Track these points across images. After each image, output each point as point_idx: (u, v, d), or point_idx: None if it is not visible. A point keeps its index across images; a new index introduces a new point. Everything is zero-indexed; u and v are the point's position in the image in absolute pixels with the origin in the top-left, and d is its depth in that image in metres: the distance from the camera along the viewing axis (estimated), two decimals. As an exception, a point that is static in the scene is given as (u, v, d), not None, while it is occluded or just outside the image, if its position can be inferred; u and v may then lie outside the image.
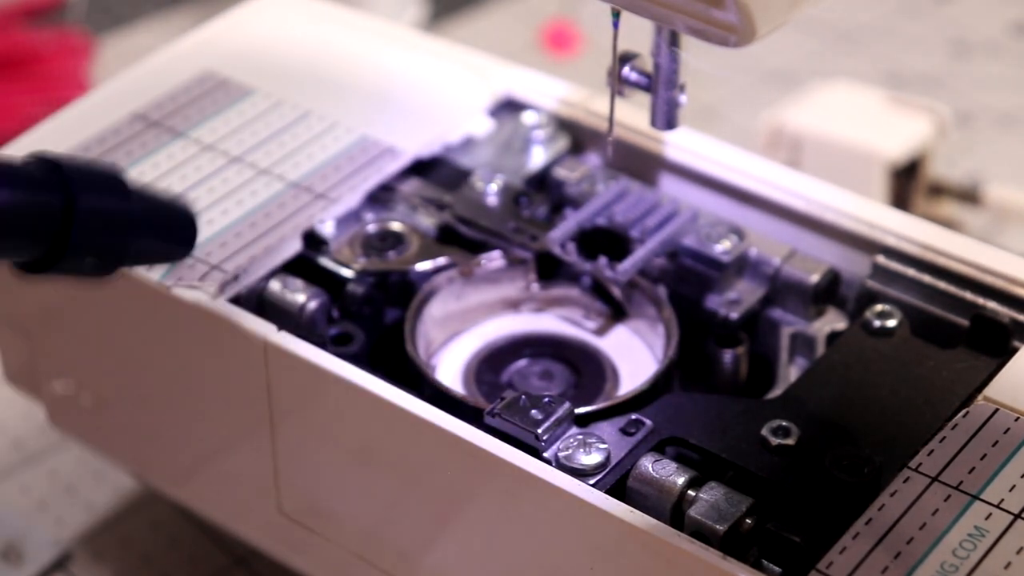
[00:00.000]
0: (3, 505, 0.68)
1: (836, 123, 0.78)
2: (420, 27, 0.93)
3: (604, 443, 0.49)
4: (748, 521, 0.47)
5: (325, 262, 0.57)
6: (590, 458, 0.49)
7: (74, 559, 0.66)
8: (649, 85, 0.54)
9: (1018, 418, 0.49)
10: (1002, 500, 0.46)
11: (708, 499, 0.47)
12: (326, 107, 0.61)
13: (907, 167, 0.77)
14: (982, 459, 0.47)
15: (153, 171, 0.59)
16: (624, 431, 0.50)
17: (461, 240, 0.58)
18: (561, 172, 0.60)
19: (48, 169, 0.46)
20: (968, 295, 0.54)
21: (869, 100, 0.80)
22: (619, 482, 0.49)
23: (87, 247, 0.47)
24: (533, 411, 0.50)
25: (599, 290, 0.58)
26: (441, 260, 0.57)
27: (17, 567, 0.65)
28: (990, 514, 0.46)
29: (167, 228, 0.50)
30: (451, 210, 0.58)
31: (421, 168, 0.60)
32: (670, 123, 0.54)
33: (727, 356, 0.55)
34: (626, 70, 0.54)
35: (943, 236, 0.55)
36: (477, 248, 0.58)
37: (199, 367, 0.56)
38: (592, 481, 0.48)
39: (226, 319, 0.53)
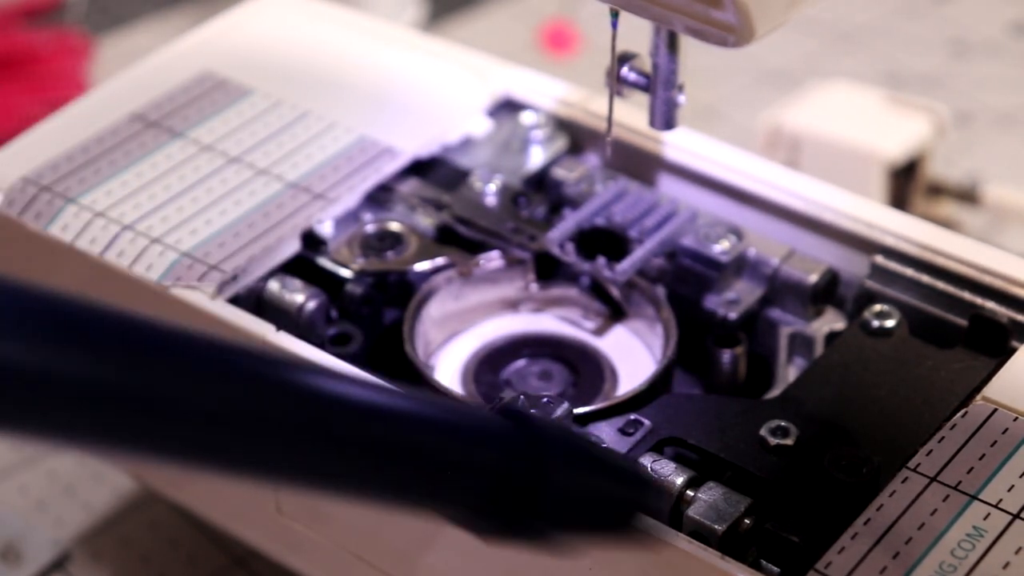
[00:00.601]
0: (2, 505, 0.68)
1: (835, 123, 0.78)
2: (419, 27, 0.93)
3: (603, 443, 0.49)
4: (747, 521, 0.47)
5: (324, 262, 0.57)
6: (589, 458, 0.49)
7: (73, 559, 0.66)
8: (648, 85, 0.54)
9: (1016, 418, 0.49)
10: (1000, 500, 0.46)
11: (707, 499, 0.47)
12: (325, 107, 0.61)
13: (906, 167, 0.77)
14: (981, 459, 0.47)
15: (152, 171, 0.59)
16: (623, 431, 0.50)
17: (460, 240, 0.58)
18: (560, 172, 0.60)
19: (523, 435, 0.41)
20: (967, 295, 0.54)
21: (868, 100, 0.80)
22: (618, 482, 0.49)
23: (547, 526, 0.41)
24: (531, 411, 0.50)
25: (598, 290, 0.58)
26: (440, 260, 0.57)
27: (16, 567, 0.65)
28: (988, 514, 0.46)
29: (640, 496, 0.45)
30: (450, 210, 0.58)
31: (420, 168, 0.60)
32: (669, 123, 0.54)
33: (726, 356, 0.55)
34: (625, 70, 0.54)
35: (942, 236, 0.55)
36: (476, 248, 0.58)
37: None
38: (591, 481, 0.48)
39: (224, 319, 0.53)
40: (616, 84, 0.54)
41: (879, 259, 0.55)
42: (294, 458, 0.38)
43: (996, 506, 0.46)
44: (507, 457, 0.41)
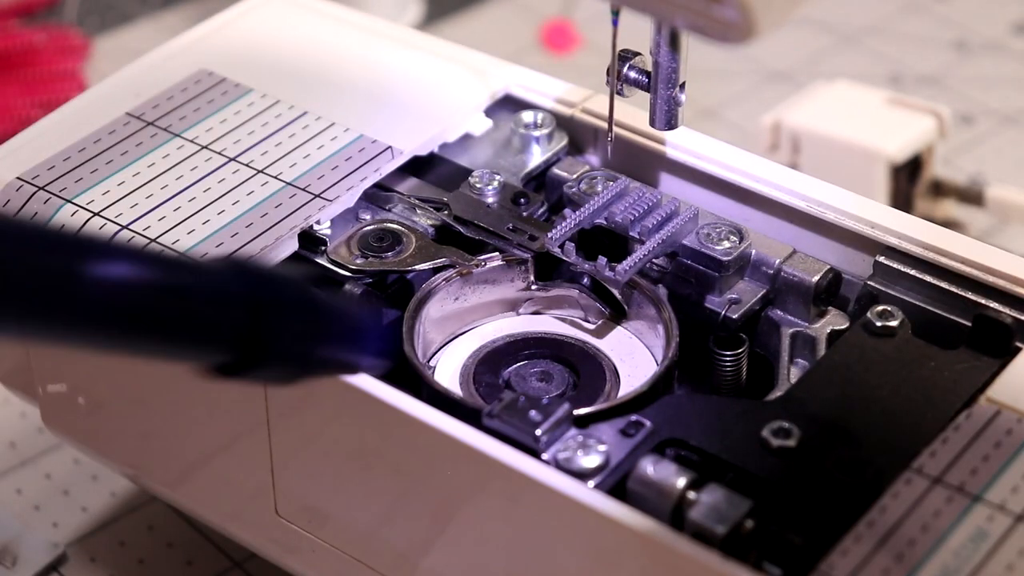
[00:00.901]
0: (-2, 507, 0.68)
1: (837, 123, 0.78)
2: (419, 26, 0.93)
3: (603, 445, 0.49)
4: (748, 523, 0.47)
5: (322, 262, 0.56)
6: (589, 460, 0.49)
7: (69, 562, 0.66)
8: (649, 84, 0.53)
9: (1020, 419, 0.48)
10: (1004, 502, 0.46)
11: (708, 501, 0.47)
12: (323, 107, 0.61)
13: (909, 167, 0.77)
14: (984, 461, 0.47)
15: (149, 171, 0.58)
16: (624, 432, 0.50)
17: (459, 240, 0.58)
18: (560, 172, 0.59)
19: (236, 272, 0.45)
20: (970, 295, 0.54)
21: (870, 100, 0.79)
22: (619, 484, 0.48)
23: (273, 355, 0.46)
24: (532, 412, 0.49)
25: (598, 290, 0.57)
26: (439, 260, 0.57)
27: (12, 570, 0.65)
28: (992, 516, 0.46)
29: (358, 339, 0.49)
30: (449, 210, 0.58)
31: (419, 168, 0.60)
32: (670, 123, 0.54)
33: (727, 357, 0.55)
34: (626, 69, 0.54)
35: (944, 236, 0.55)
36: (475, 248, 0.57)
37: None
38: (591, 483, 0.48)
39: (222, 320, 0.53)
40: (617, 83, 0.54)
41: (882, 259, 0.55)
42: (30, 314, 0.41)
43: (1000, 508, 0.46)
44: (233, 305, 0.44)
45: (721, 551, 0.46)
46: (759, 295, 0.56)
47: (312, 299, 0.47)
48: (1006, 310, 0.53)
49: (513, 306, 0.58)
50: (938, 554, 0.45)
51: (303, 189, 0.57)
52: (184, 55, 0.64)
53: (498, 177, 0.59)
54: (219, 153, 0.59)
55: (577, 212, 0.57)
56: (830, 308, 0.56)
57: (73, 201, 0.57)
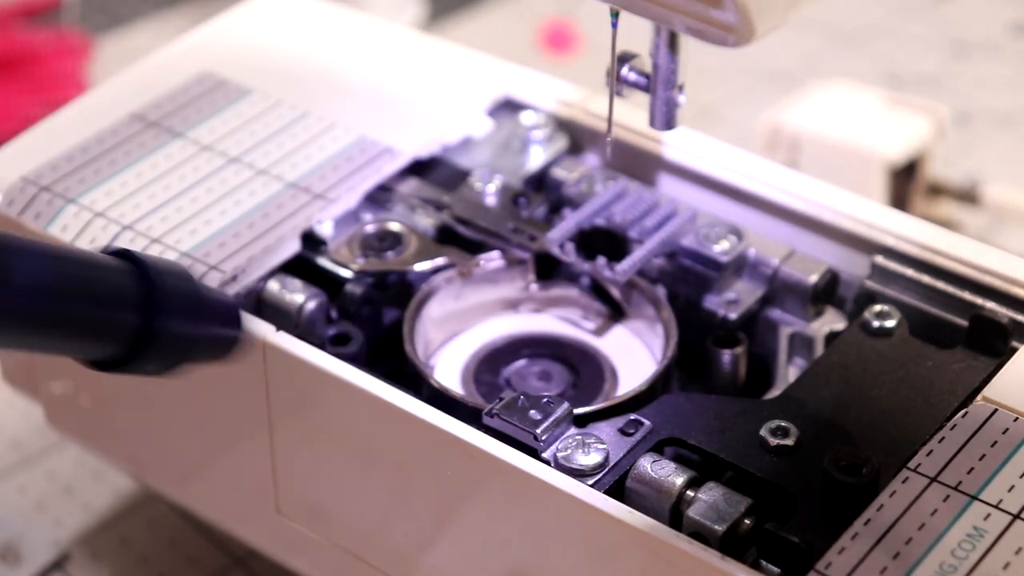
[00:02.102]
0: (1, 506, 0.68)
1: (835, 123, 0.78)
2: (419, 27, 0.93)
3: (603, 443, 0.49)
4: (747, 522, 0.47)
5: (323, 262, 0.57)
6: (589, 458, 0.49)
7: (72, 559, 0.66)
8: (648, 85, 0.54)
9: (1017, 418, 0.49)
10: (1001, 500, 0.46)
11: (707, 499, 0.47)
12: (324, 107, 0.61)
13: (906, 167, 0.77)
14: (981, 459, 0.47)
15: (151, 171, 0.58)
16: (623, 431, 0.50)
17: (460, 240, 0.58)
18: (560, 172, 0.60)
19: (130, 267, 0.46)
20: (967, 295, 0.54)
21: (868, 100, 0.80)
22: (618, 482, 0.49)
23: (159, 350, 0.47)
24: (532, 411, 0.50)
25: (598, 290, 0.58)
26: (440, 260, 0.57)
27: (15, 567, 0.65)
28: (989, 514, 0.46)
29: (221, 329, 0.50)
30: (450, 210, 0.58)
31: (419, 168, 0.60)
32: (669, 123, 0.54)
33: (726, 356, 0.55)
34: (625, 70, 0.54)
35: (942, 236, 0.55)
36: (476, 248, 0.58)
37: (197, 367, 0.56)
38: (591, 482, 0.48)
39: (224, 319, 0.53)
40: (616, 84, 0.54)
41: (879, 259, 0.55)
42: None
43: (996, 506, 0.46)
44: (121, 300, 0.45)
45: (719, 550, 0.46)
46: (757, 295, 0.56)
47: (195, 289, 0.48)
48: (1003, 310, 0.53)
49: (513, 306, 0.58)
50: (935, 552, 0.45)
51: (305, 189, 0.57)
52: (187, 56, 0.64)
53: (498, 177, 0.59)
54: (221, 154, 0.59)
55: (577, 212, 0.57)
56: (828, 308, 0.56)
57: (77, 201, 0.57)
